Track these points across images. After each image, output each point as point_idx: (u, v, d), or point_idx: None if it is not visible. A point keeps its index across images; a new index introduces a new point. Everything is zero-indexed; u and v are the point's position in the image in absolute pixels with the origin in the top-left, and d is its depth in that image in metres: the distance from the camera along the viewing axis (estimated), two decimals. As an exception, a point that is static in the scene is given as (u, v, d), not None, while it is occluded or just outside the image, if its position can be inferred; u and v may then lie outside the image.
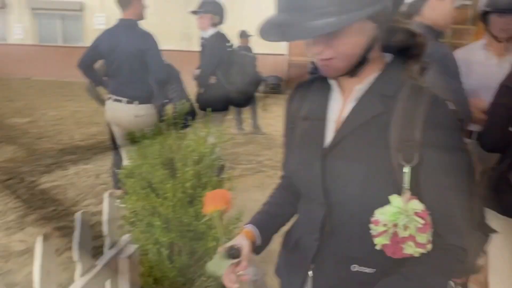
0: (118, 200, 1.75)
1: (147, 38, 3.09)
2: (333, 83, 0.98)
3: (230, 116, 7.16)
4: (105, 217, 1.50)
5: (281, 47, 14.77)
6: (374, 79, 0.92)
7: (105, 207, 1.52)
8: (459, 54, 2.39)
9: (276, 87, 13.37)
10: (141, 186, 1.96)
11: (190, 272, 1.96)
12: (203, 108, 3.61)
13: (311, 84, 1.06)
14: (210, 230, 1.90)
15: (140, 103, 3.13)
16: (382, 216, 0.83)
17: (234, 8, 13.59)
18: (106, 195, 1.52)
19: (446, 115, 0.86)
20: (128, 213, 1.96)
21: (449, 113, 0.87)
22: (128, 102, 3.14)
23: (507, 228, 1.79)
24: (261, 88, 11.20)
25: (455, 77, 1.84)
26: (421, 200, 0.84)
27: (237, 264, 0.95)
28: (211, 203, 1.01)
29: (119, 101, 3.16)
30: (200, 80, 3.57)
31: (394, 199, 0.83)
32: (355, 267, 0.92)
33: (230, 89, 3.58)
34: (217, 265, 0.94)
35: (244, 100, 3.73)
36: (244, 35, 7.31)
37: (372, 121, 0.89)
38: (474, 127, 2.28)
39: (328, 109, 0.98)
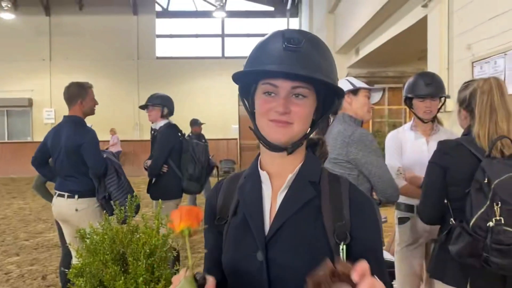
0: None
1: (85, 133, 3.17)
2: (263, 174, 1.03)
3: (184, 202, 7.13)
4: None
5: (233, 132, 15.23)
6: (299, 168, 1.02)
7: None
8: (393, 136, 2.65)
9: (230, 170, 13.59)
10: (91, 285, 1.90)
11: None
12: (154, 197, 3.61)
13: (234, 181, 1.10)
14: (165, 326, 1.84)
15: (80, 197, 3.13)
16: None
17: (187, 99, 14.12)
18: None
19: (364, 195, 1.04)
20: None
21: (364, 194, 1.05)
22: (69, 197, 3.14)
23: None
24: (215, 172, 11.34)
25: (374, 152, 2.12)
26: None
27: None
28: (184, 220, 0.92)
29: (62, 196, 3.17)
30: (152, 169, 3.61)
31: None
32: None
33: (182, 177, 3.64)
34: None
35: (197, 186, 3.78)
36: (195, 123, 7.50)
37: (306, 205, 0.97)
38: (417, 202, 2.45)
39: (263, 200, 1.02)
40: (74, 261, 2.82)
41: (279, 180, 1.02)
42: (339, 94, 0.99)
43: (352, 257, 0.91)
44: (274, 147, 0.99)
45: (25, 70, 15.08)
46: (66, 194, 3.15)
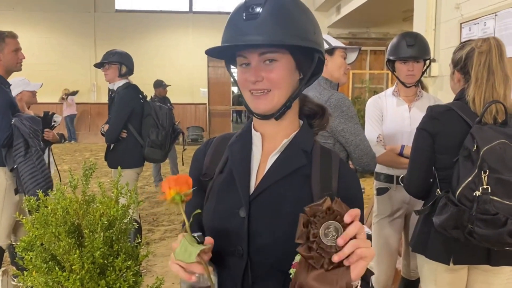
0: (15, 279, 1.64)
1: None
2: (256, 135, 1.14)
3: (147, 172, 7.08)
4: (-3, 300, 1.40)
5: (201, 96, 15.02)
6: (294, 136, 1.12)
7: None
8: (374, 102, 2.65)
9: (198, 138, 13.46)
10: (42, 259, 1.85)
11: None
12: (113, 166, 3.54)
13: (225, 140, 1.20)
14: (125, 303, 1.83)
15: None
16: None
17: (150, 58, 13.76)
18: (0, 273, 1.43)
19: (353, 173, 1.17)
20: (28, 292, 1.83)
21: (353, 172, 1.18)
22: None
23: (435, 272, 1.92)
24: (181, 140, 11.20)
25: (352, 118, 2.11)
26: None
27: (204, 252, 0.96)
28: (173, 187, 0.97)
29: None
30: (109, 135, 3.51)
31: None
32: None
33: (143, 143, 3.56)
34: (187, 252, 0.92)
35: (160, 154, 3.72)
36: (159, 85, 7.35)
37: (296, 172, 1.07)
38: (396, 172, 2.49)
39: (251, 160, 1.12)
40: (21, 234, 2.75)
41: (271, 143, 1.12)
42: (316, 50, 1.05)
43: None
44: (260, 117, 1.08)
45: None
46: None
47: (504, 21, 2.99)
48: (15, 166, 2.93)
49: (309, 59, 1.08)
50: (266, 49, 1.03)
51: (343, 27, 10.05)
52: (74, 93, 13.74)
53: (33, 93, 3.45)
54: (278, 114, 1.07)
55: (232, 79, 1.42)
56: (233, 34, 1.04)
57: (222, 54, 1.12)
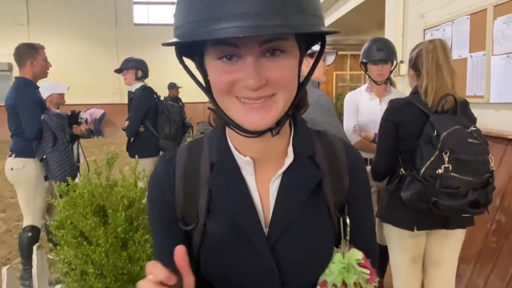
0: (51, 253, 1.65)
1: (23, 93, 2.94)
2: (245, 161, 0.71)
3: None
4: (34, 270, 1.41)
5: (208, 95, 14.98)
6: (292, 143, 0.72)
7: (34, 260, 1.42)
8: (350, 96, 2.66)
9: (205, 131, 13.48)
10: (72, 235, 1.86)
11: (127, 313, 1.87)
12: (133, 155, 3.55)
13: (193, 164, 0.74)
14: (143, 271, 1.84)
15: (16, 156, 2.98)
16: (329, 276, 0.70)
17: (165, 64, 13.73)
18: (35, 248, 1.43)
19: (359, 157, 0.79)
20: (61, 264, 1.84)
21: (359, 154, 0.80)
22: (9, 156, 3.00)
23: (401, 238, 1.95)
24: (191, 133, 11.22)
25: (329, 112, 2.08)
26: (356, 246, 0.73)
27: None
28: None
29: (10, 155, 3.02)
30: (129, 130, 3.52)
31: (335, 255, 0.72)
32: None
33: (158, 136, 3.57)
34: None
35: (173, 145, 3.73)
36: (173, 87, 7.37)
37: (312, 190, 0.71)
38: (370, 156, 2.49)
39: (250, 193, 0.71)
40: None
41: (265, 165, 0.71)
42: (327, 33, 0.62)
43: (351, 227, 0.74)
44: (252, 133, 0.64)
45: (2, 35, 14.18)
46: (9, 153, 3.02)
47: (460, 27, 2.97)
48: (44, 156, 2.92)
49: (310, 46, 0.70)
50: (273, 35, 0.57)
51: (327, 36, 9.97)
52: None
53: (61, 95, 3.44)
54: (279, 129, 0.65)
55: (189, 74, 0.67)
56: (217, 5, 0.52)
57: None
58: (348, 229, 0.73)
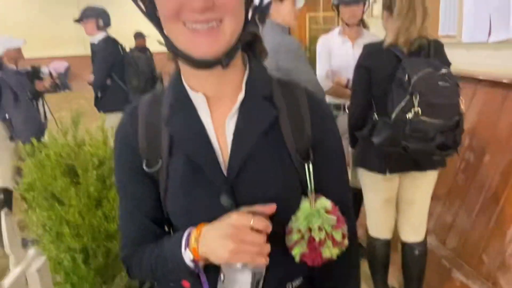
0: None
1: None
2: (199, 97, 0.71)
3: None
4: (5, 235, 1.38)
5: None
6: (246, 81, 0.72)
7: (3, 225, 1.38)
8: (323, 41, 2.59)
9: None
10: (43, 197, 1.82)
11: (109, 271, 1.89)
12: (102, 110, 3.44)
13: (153, 109, 0.75)
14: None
15: None
16: (295, 223, 0.71)
17: (130, 10, 12.99)
18: (2, 214, 1.39)
19: (323, 104, 0.80)
20: (35, 227, 1.82)
21: (323, 102, 0.81)
22: None
23: (374, 181, 2.00)
24: (165, 84, 10.89)
25: (301, 58, 2.04)
26: (323, 192, 0.74)
27: None
28: None
29: None
30: (95, 84, 3.38)
31: (302, 203, 0.73)
32: (290, 285, 0.77)
33: (127, 89, 3.44)
34: None
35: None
36: (139, 36, 7.05)
37: (266, 129, 0.71)
38: (343, 101, 2.48)
39: (207, 132, 0.72)
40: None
41: (219, 102, 0.71)
42: None
43: (318, 175, 0.74)
44: (201, 64, 0.64)
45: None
46: None
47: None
48: (6, 116, 2.80)
49: None
50: None
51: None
52: None
53: (18, 50, 3.22)
54: (229, 60, 0.65)
55: (138, 8, 0.66)
56: None
57: None
58: (311, 175, 0.73)
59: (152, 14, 0.65)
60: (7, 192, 2.94)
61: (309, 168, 0.73)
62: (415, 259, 2.05)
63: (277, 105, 0.72)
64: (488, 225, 2.24)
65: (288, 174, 0.73)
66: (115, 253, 1.88)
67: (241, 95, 0.71)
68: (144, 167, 0.74)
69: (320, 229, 0.70)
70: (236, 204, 0.69)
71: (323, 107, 0.79)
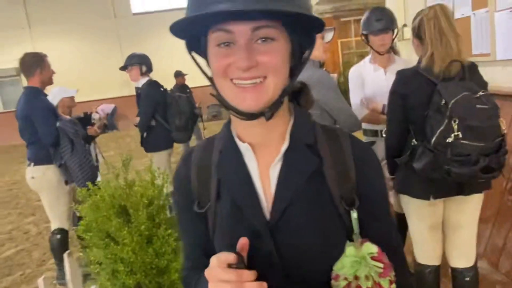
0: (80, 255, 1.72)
1: (36, 103, 3.01)
2: (244, 147, 0.76)
3: (179, 148, 7.18)
4: (68, 276, 1.48)
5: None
6: (290, 131, 0.76)
7: (67, 266, 1.50)
8: (354, 70, 2.63)
9: (217, 114, 13.59)
10: (99, 237, 1.94)
11: (161, 304, 1.95)
12: (148, 150, 3.61)
13: (206, 152, 0.81)
14: (171, 263, 1.92)
15: (35, 164, 3.05)
16: (341, 270, 0.71)
17: (169, 52, 13.69)
18: (65, 256, 1.50)
19: (367, 149, 0.81)
20: (92, 265, 1.93)
21: (367, 146, 0.82)
22: (28, 165, 3.09)
23: (418, 207, 1.96)
24: (204, 117, 11.27)
25: (332, 88, 2.08)
26: (369, 237, 0.74)
27: None
28: None
29: (28, 164, 3.11)
30: (141, 125, 3.57)
31: (348, 248, 0.73)
32: None
33: (170, 128, 3.61)
34: None
35: (185, 135, 3.77)
36: (179, 75, 7.35)
37: (309, 177, 0.74)
38: (380, 127, 2.48)
39: (252, 178, 0.76)
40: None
41: (264, 151, 0.76)
42: (318, 25, 0.69)
43: (362, 221, 0.75)
44: (247, 116, 0.70)
45: (5, 40, 14.23)
46: (27, 162, 3.10)
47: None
48: (63, 162, 3.01)
49: (302, 40, 0.73)
50: (263, 22, 0.65)
51: (326, 3, 9.74)
52: None
53: (72, 98, 3.49)
54: (271, 114, 0.70)
55: (197, 66, 0.76)
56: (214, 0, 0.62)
57: (188, 29, 0.68)
58: (356, 222, 0.74)
59: (209, 72, 0.74)
60: (64, 232, 3.12)
61: (355, 217, 0.74)
62: (466, 285, 1.97)
63: (320, 153, 0.74)
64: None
65: (330, 221, 0.74)
66: (166, 287, 1.95)
67: (285, 145, 0.74)
68: (195, 208, 0.79)
69: (367, 277, 0.69)
70: (276, 247, 0.72)
71: (367, 153, 0.80)
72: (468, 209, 1.93)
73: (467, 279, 1.95)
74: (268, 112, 0.69)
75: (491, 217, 2.48)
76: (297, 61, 0.74)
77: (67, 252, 1.48)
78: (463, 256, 1.98)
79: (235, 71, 0.67)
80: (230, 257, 0.64)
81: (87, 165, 3.02)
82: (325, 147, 0.76)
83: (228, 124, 0.80)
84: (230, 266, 0.63)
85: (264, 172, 0.76)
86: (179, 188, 0.84)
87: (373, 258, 0.71)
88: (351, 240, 0.74)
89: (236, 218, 0.75)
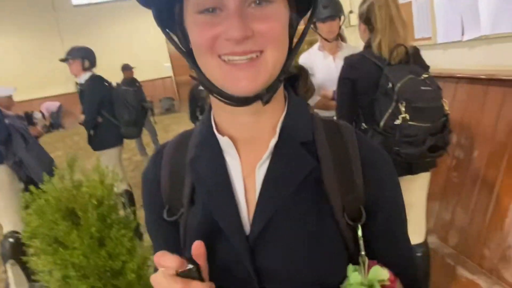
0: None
1: None
2: (224, 141, 0.61)
3: (132, 144, 6.95)
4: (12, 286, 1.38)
5: (166, 70, 14.55)
6: (282, 123, 0.61)
7: (10, 277, 1.39)
8: (304, 58, 2.65)
9: (170, 107, 13.31)
10: (47, 243, 1.82)
11: (118, 307, 1.88)
12: (96, 148, 3.45)
13: (180, 149, 0.66)
14: (127, 264, 1.84)
15: None
16: None
17: (115, 45, 13.16)
18: (8, 265, 1.39)
19: (378, 150, 0.65)
20: (42, 273, 1.81)
21: (379, 146, 0.66)
22: None
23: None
24: (157, 111, 10.98)
25: None
26: (379, 259, 0.60)
27: None
28: None
29: None
30: (85, 124, 3.41)
31: (352, 274, 0.58)
32: None
33: (119, 123, 3.46)
34: None
35: (135, 130, 3.64)
36: (126, 68, 7.10)
37: (303, 181, 0.59)
38: (331, 114, 2.52)
39: (231, 180, 0.61)
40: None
41: (250, 147, 0.61)
42: None
43: (370, 239, 0.61)
44: (238, 101, 0.55)
45: None
46: None
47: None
48: (17, 159, 2.84)
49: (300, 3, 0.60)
50: None
51: None
52: None
53: (9, 98, 3.25)
54: (270, 96, 0.56)
55: (169, 41, 0.58)
56: None
57: None
58: (361, 241, 0.59)
59: (185, 47, 0.59)
60: (17, 236, 2.93)
61: (359, 234, 0.59)
62: (418, 261, 2.05)
63: (318, 153, 0.60)
64: (485, 218, 2.26)
65: (327, 239, 0.59)
66: (123, 290, 1.88)
67: (273, 140, 0.59)
68: (164, 216, 0.65)
69: None
70: (256, 271, 0.57)
71: (378, 154, 0.64)
72: (417, 188, 2.00)
73: (419, 254, 2.04)
74: (266, 94, 0.55)
75: (439, 194, 2.60)
76: (293, 32, 0.59)
77: (10, 261, 1.37)
78: (414, 233, 2.04)
79: (224, 44, 0.52)
80: (176, 262, 0.50)
81: (44, 157, 2.86)
82: (325, 145, 0.60)
83: (208, 114, 0.64)
84: (178, 274, 0.51)
85: (249, 174, 0.60)
86: (147, 192, 0.69)
87: (384, 287, 0.58)
88: (355, 263, 0.59)
89: (208, 231, 0.60)
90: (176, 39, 0.59)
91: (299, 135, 0.60)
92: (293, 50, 0.59)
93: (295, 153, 0.59)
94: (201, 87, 3.38)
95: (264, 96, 0.55)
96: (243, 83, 0.53)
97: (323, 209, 0.59)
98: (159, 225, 0.67)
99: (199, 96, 3.40)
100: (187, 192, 0.62)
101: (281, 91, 0.61)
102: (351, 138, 0.62)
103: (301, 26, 0.62)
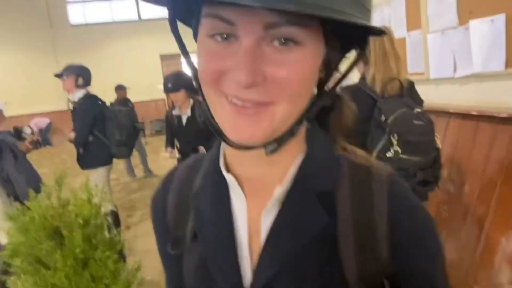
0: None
1: None
2: (229, 179, 0.53)
3: (120, 165, 6.88)
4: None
5: (159, 92, 14.59)
6: (297, 168, 0.51)
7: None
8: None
9: (161, 129, 13.30)
10: (28, 262, 1.76)
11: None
12: (85, 167, 3.41)
13: (191, 176, 0.59)
14: (109, 287, 1.79)
15: None
16: None
17: (110, 65, 13.22)
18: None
19: (415, 207, 0.52)
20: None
21: (416, 201, 0.52)
22: None
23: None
24: (148, 132, 10.94)
25: None
26: None
27: None
28: None
29: None
30: (77, 142, 3.38)
31: None
32: None
33: (109, 143, 3.44)
34: None
35: (126, 151, 3.61)
36: (120, 88, 7.13)
37: (314, 238, 0.50)
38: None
39: (233, 223, 0.53)
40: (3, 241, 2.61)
41: (258, 188, 0.53)
42: (374, 30, 0.43)
43: None
44: (239, 146, 0.47)
45: None
46: None
47: (396, 8, 3.07)
48: (4, 175, 2.80)
49: (345, 42, 0.49)
50: (283, 17, 0.40)
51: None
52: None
53: (0, 112, 3.23)
54: (275, 148, 0.48)
55: (181, 51, 0.48)
56: None
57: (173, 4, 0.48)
58: None
59: (195, 75, 0.49)
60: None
61: None
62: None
63: (336, 206, 0.50)
64: (475, 254, 2.25)
65: None
66: (104, 315, 1.81)
67: (278, 188, 0.50)
68: (168, 248, 0.59)
69: None
70: None
71: (413, 213, 0.51)
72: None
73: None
74: (270, 146, 0.47)
75: (428, 227, 2.59)
76: (328, 76, 0.50)
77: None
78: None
79: (230, 84, 0.43)
80: None
81: (33, 176, 2.82)
82: (346, 197, 0.50)
83: (217, 144, 0.57)
84: None
85: (256, 217, 0.52)
86: (155, 218, 0.63)
87: None
88: None
89: (206, 278, 0.53)
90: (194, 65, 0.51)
91: (317, 184, 0.50)
92: (320, 98, 0.49)
93: (308, 205, 0.50)
94: (174, 112, 3.40)
95: (267, 147, 0.47)
96: (241, 130, 0.44)
97: (334, 273, 0.49)
98: (166, 255, 0.61)
99: (173, 122, 3.32)
100: (190, 227, 0.56)
101: (301, 135, 0.52)
102: (381, 189, 0.50)
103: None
